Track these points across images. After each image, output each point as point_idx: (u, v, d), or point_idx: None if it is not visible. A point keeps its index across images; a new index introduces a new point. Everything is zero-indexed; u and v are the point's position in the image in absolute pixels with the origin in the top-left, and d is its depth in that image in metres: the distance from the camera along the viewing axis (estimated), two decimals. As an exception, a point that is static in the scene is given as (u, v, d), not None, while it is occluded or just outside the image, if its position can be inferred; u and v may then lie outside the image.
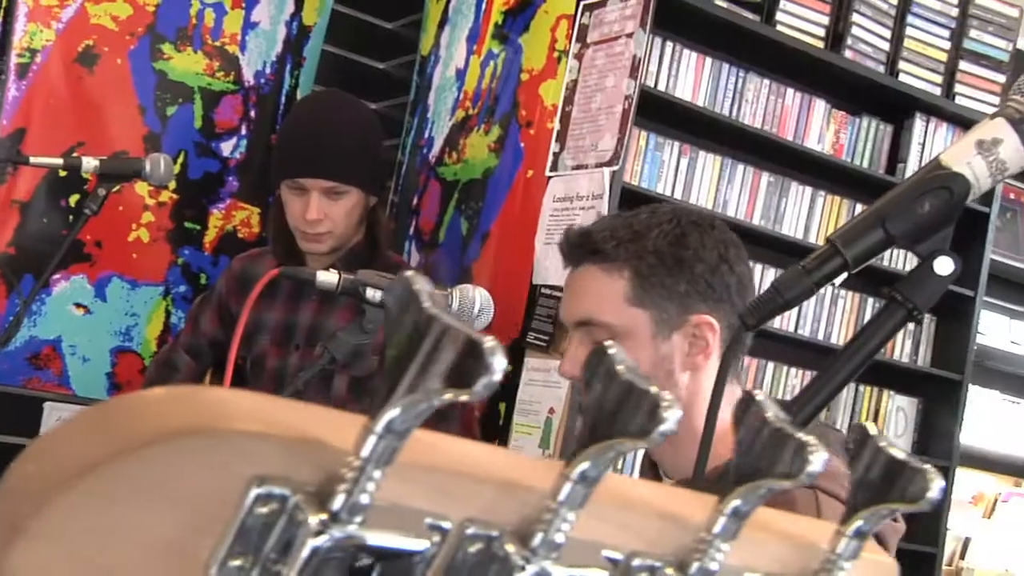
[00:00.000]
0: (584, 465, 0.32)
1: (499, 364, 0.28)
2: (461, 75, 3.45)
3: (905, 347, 3.31)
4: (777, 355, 3.18)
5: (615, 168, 2.68)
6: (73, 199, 2.96)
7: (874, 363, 3.55)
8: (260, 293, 2.36)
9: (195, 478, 0.28)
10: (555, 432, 2.69)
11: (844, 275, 0.90)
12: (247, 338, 2.45)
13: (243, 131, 3.29)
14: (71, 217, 2.94)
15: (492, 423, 3.23)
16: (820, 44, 3.11)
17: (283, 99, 3.38)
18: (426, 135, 3.60)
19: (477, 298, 1.70)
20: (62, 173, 2.85)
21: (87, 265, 3.01)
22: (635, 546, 0.34)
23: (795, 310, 3.20)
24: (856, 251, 0.87)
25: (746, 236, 3.20)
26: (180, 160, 3.15)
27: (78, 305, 3.01)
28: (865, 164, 3.25)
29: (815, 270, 0.88)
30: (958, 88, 3.31)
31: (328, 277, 1.62)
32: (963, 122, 3.32)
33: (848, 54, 3.14)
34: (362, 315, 1.64)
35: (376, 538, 0.30)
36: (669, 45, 2.95)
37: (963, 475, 3.70)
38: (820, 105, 3.19)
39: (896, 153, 3.27)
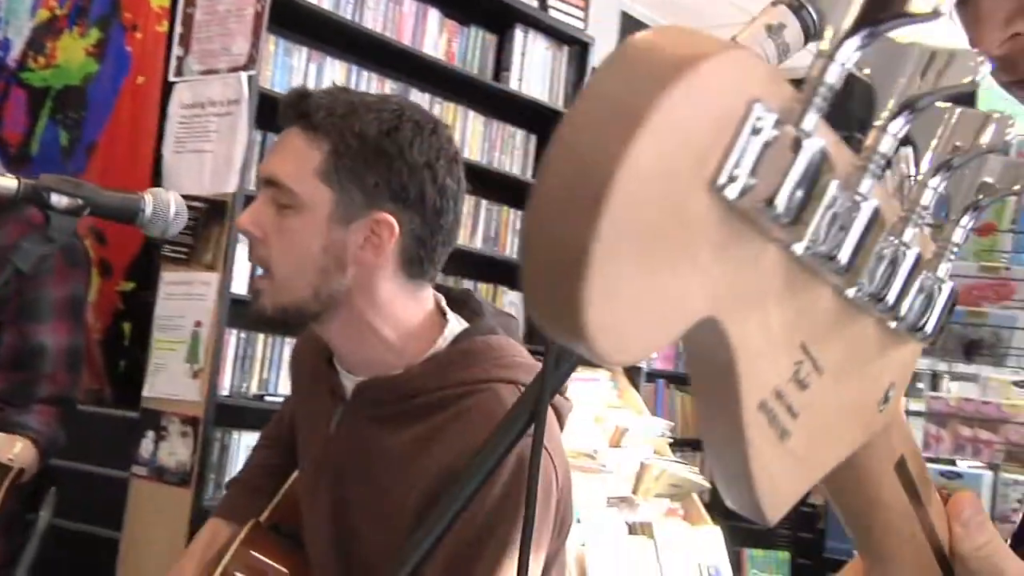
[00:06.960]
0: None
1: None
2: (40, -29, 3.17)
3: (515, 244, 3.53)
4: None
5: (252, 72, 2.60)
6: None
7: (489, 260, 3.76)
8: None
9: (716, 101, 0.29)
10: (203, 344, 2.59)
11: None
12: None
13: None
14: None
15: (116, 344, 3.06)
16: (432, -47, 3.19)
17: None
18: (0, 36, 3.27)
19: (172, 201, 1.59)
20: None
21: None
22: None
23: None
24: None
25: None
26: None
27: None
28: (475, 72, 3.39)
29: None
30: (551, 2, 3.54)
31: (7, 182, 1.46)
32: (555, 34, 3.57)
33: (457, -36, 3.25)
34: (47, 223, 1.49)
35: None
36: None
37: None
38: (434, 14, 3.27)
39: (501, 62, 3.45)
